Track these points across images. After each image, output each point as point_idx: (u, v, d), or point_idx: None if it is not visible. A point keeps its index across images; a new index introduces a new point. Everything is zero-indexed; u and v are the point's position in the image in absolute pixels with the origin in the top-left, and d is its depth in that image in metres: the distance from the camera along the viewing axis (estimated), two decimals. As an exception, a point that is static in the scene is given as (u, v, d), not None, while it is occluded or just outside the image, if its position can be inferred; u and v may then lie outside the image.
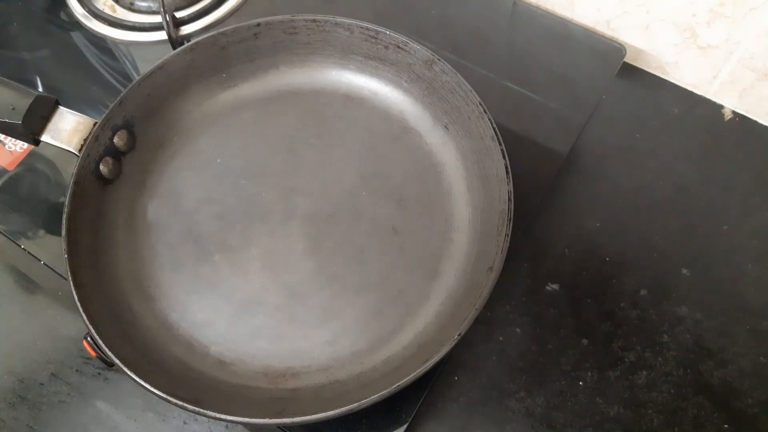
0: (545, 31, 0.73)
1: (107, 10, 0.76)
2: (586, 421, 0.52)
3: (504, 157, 0.53)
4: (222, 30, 0.62)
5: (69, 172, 0.55)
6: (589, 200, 0.63)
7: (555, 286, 0.58)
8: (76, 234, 0.53)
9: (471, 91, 0.56)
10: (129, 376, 0.46)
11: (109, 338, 0.48)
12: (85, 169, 0.55)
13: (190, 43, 0.61)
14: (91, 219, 0.55)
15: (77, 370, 0.56)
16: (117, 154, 0.58)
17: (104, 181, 0.57)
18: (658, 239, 0.60)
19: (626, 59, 0.69)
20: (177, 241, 0.58)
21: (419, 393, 0.53)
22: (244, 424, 0.52)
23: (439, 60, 0.58)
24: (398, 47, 0.60)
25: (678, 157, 0.65)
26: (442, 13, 0.75)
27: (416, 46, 0.59)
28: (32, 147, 0.66)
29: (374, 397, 0.44)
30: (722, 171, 0.64)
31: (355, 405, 0.44)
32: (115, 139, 0.58)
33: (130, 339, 0.51)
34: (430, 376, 0.52)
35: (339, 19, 0.61)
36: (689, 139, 0.67)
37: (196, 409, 0.45)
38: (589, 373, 0.54)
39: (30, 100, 0.53)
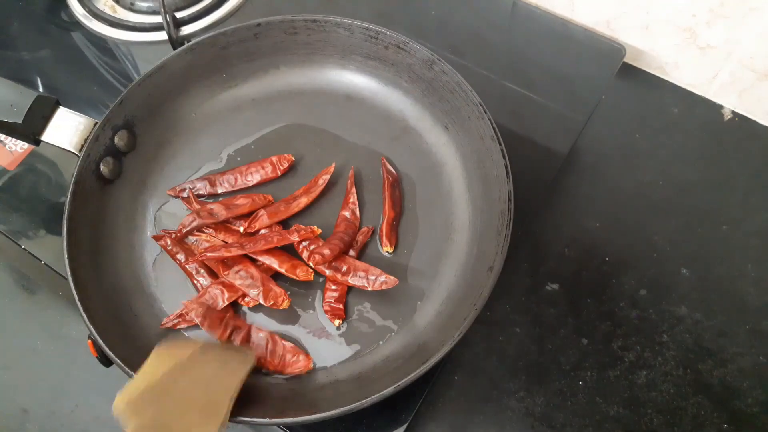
0: (545, 31, 0.73)
1: (108, 11, 0.76)
2: (585, 421, 0.52)
3: (504, 157, 0.53)
4: (222, 30, 0.62)
5: (69, 172, 0.55)
6: (589, 200, 0.63)
7: (555, 286, 0.58)
8: (77, 234, 0.53)
9: (471, 91, 0.56)
10: (129, 376, 0.46)
11: (109, 338, 0.48)
12: (85, 169, 0.55)
13: (190, 44, 0.61)
14: (92, 219, 0.55)
15: (77, 370, 0.56)
16: (117, 154, 0.58)
17: (105, 181, 0.57)
18: (658, 239, 0.61)
19: (626, 59, 0.69)
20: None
21: (419, 393, 0.53)
22: (244, 424, 0.52)
23: (439, 60, 0.58)
24: (398, 47, 0.60)
25: (678, 157, 0.65)
26: (442, 13, 0.75)
27: (416, 46, 0.59)
28: (33, 147, 0.66)
29: (374, 397, 0.44)
30: (722, 171, 0.65)
31: (355, 405, 0.44)
32: (116, 139, 0.58)
33: (130, 339, 0.51)
34: (430, 376, 0.52)
35: (339, 19, 0.61)
36: (689, 139, 0.67)
37: (197, 408, 0.45)
38: (589, 373, 0.54)
39: (30, 100, 0.54)
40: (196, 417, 0.42)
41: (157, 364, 0.45)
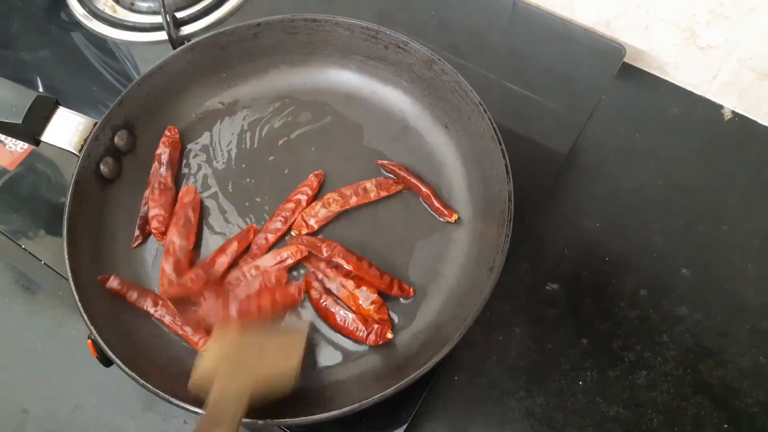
0: (545, 31, 0.73)
1: (107, 11, 0.76)
2: (585, 421, 0.52)
3: (504, 157, 0.53)
4: (222, 30, 0.62)
5: (69, 172, 0.55)
6: (589, 200, 0.63)
7: (555, 286, 0.58)
8: (77, 234, 0.53)
9: (471, 90, 0.56)
10: (129, 376, 0.46)
11: (110, 338, 0.48)
12: (85, 169, 0.55)
13: (190, 43, 0.61)
14: (91, 219, 0.55)
15: (77, 370, 0.56)
16: (117, 154, 0.58)
17: (104, 181, 0.57)
18: (658, 239, 0.61)
19: (626, 59, 0.69)
20: (177, 241, 0.58)
21: (419, 393, 0.53)
22: (245, 424, 0.52)
23: (439, 60, 0.58)
24: (398, 47, 0.61)
25: (678, 157, 0.65)
26: (442, 13, 0.75)
27: (416, 46, 0.59)
28: (32, 147, 0.66)
29: (374, 397, 0.44)
30: (722, 171, 0.65)
31: (355, 405, 0.44)
32: (116, 139, 0.58)
33: (130, 339, 0.51)
34: (430, 376, 0.52)
35: (339, 19, 0.61)
36: (689, 139, 0.67)
37: (197, 409, 0.45)
38: (589, 373, 0.54)
39: (30, 100, 0.54)
40: (272, 364, 0.46)
41: (221, 339, 0.47)
